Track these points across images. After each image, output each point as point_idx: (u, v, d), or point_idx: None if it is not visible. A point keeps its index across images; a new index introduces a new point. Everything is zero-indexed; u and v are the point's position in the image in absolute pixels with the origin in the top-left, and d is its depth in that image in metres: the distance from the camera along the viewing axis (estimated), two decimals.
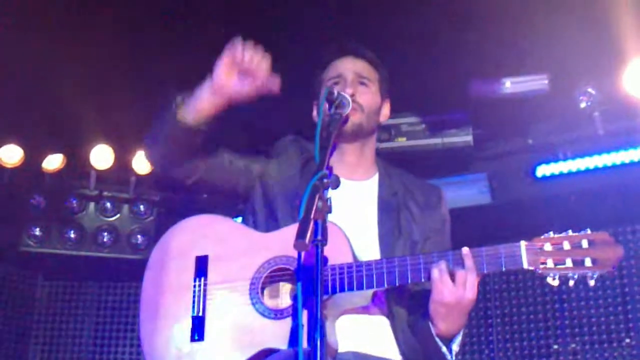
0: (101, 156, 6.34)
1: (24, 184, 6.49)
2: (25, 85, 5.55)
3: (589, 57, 5.19)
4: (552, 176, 5.83)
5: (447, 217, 3.28)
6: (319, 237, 2.36)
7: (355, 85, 3.22)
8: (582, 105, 5.50)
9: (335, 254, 2.85)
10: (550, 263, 2.70)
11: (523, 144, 6.03)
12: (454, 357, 2.87)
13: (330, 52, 3.34)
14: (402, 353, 3.02)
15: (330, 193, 3.03)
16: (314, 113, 3.39)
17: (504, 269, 2.75)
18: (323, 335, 2.24)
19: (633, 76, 5.27)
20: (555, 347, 6.08)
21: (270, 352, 2.83)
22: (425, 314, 2.89)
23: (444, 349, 2.85)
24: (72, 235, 6.64)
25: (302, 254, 2.46)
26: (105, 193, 6.73)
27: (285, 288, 2.96)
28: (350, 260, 2.87)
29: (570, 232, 2.73)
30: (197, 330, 3.00)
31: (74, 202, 6.69)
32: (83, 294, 7.08)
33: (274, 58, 2.96)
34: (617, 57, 5.18)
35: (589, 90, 5.46)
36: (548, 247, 2.72)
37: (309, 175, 3.18)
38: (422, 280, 2.79)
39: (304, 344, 2.33)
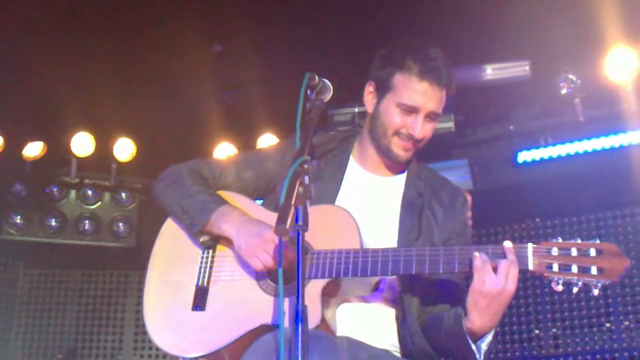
0: (82, 143, 6.29)
1: (4, 172, 6.44)
2: (5, 72, 5.50)
3: (569, 44, 5.21)
4: (533, 162, 5.84)
5: (469, 222, 3.27)
6: (300, 223, 2.36)
7: (423, 125, 3.10)
8: (563, 91, 5.51)
9: (343, 239, 2.88)
10: (555, 267, 2.69)
11: (504, 130, 6.04)
12: (482, 357, 2.80)
13: (416, 59, 3.11)
14: (404, 349, 3.00)
15: (354, 186, 3.09)
16: (368, 97, 3.23)
17: None
18: (304, 320, 2.25)
19: (613, 63, 5.29)
20: (537, 332, 6.12)
21: (268, 328, 2.82)
22: (442, 315, 2.87)
23: (473, 346, 2.77)
24: (53, 224, 6.60)
25: (282, 239, 2.47)
26: (86, 181, 6.69)
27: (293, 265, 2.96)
28: (357, 247, 2.88)
29: (579, 240, 2.72)
30: (199, 300, 3.01)
31: (55, 190, 6.65)
32: (64, 282, 7.05)
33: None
34: (598, 43, 5.21)
35: (570, 76, 5.47)
36: (555, 251, 2.71)
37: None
38: (456, 270, 2.78)
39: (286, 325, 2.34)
